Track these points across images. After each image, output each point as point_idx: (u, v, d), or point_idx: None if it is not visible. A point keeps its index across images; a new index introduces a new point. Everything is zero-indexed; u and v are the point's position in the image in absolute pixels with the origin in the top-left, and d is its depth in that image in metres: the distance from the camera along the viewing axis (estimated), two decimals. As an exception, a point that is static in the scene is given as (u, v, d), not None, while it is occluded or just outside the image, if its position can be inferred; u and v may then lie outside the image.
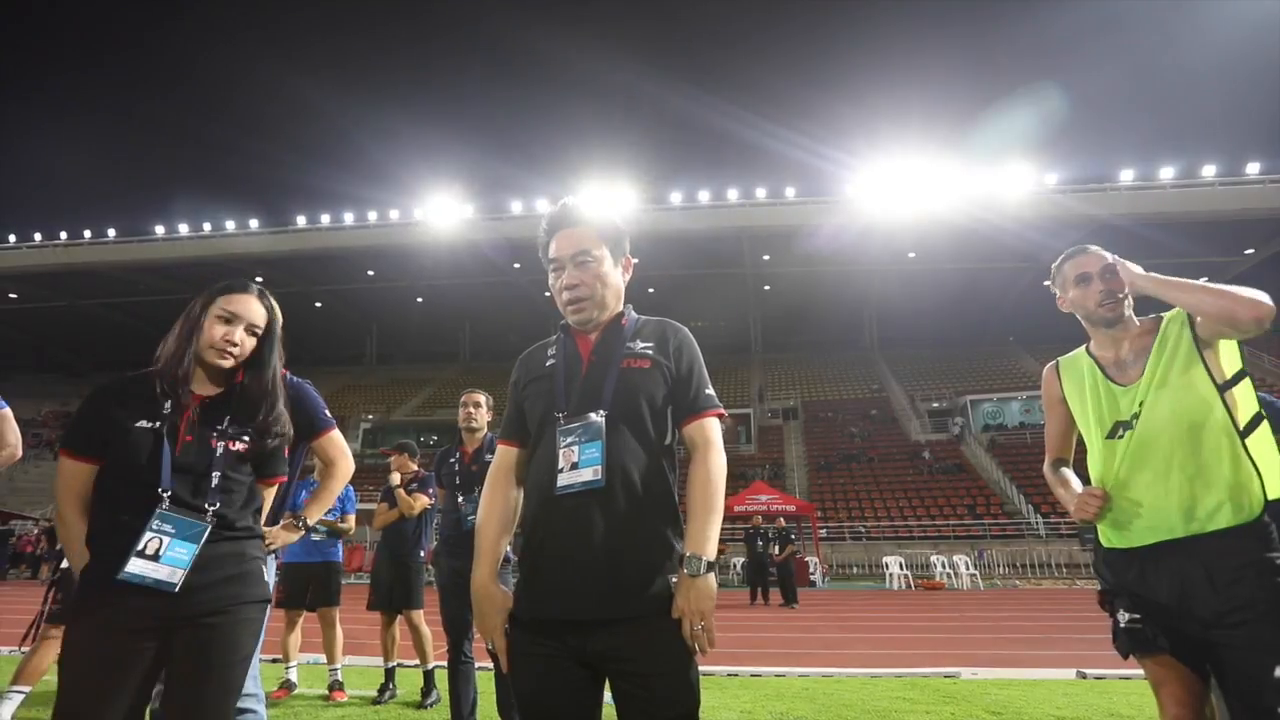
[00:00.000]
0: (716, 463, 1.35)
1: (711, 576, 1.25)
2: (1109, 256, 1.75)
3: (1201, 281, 1.60)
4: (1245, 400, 1.58)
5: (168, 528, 1.41)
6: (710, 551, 1.26)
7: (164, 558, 1.40)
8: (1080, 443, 1.83)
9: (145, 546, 1.39)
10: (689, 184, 32.29)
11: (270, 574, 2.16)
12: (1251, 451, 1.53)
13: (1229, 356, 1.60)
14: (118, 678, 1.34)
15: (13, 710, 3.27)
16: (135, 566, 1.38)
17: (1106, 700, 3.99)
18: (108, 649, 1.35)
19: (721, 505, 1.34)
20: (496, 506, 1.42)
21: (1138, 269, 1.71)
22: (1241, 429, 1.54)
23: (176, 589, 1.39)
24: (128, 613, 1.37)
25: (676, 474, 1.38)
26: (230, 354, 1.54)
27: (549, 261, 1.48)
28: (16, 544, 19.37)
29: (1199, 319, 1.61)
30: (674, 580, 1.26)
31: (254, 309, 1.59)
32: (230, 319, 1.55)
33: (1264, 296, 1.49)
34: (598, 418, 1.31)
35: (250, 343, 1.58)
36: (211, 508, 1.46)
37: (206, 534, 1.45)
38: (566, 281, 1.43)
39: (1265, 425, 1.57)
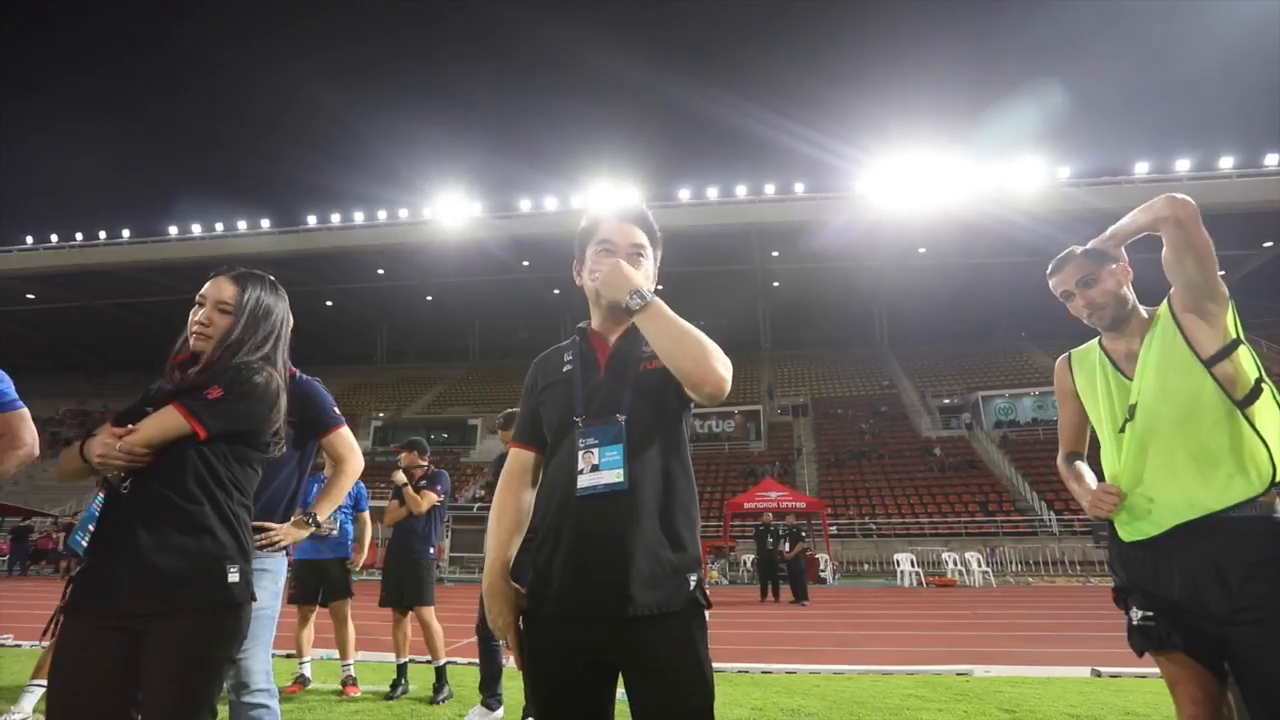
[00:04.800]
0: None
1: (641, 299, 1.28)
2: (1079, 252, 1.74)
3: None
4: (1241, 370, 1.53)
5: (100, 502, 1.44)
6: (650, 297, 1.29)
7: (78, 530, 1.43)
8: (1094, 436, 1.82)
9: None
10: (697, 180, 32.36)
11: (282, 571, 2.19)
12: (1255, 421, 1.49)
13: (1215, 328, 1.56)
14: (96, 676, 1.33)
15: (34, 703, 3.33)
16: (79, 537, 1.43)
17: (1122, 699, 3.95)
18: (85, 647, 1.35)
19: (700, 337, 1.25)
20: (509, 508, 1.43)
21: (1104, 238, 1.70)
22: (1240, 400, 1.51)
23: (80, 553, 1.41)
24: (102, 610, 1.36)
25: (693, 478, 1.39)
26: (202, 334, 1.55)
27: (602, 242, 1.44)
28: (37, 541, 19.68)
29: (1172, 291, 1.62)
30: (693, 579, 1.28)
31: (222, 288, 1.58)
32: (201, 302, 1.58)
33: (1181, 196, 1.55)
34: (619, 420, 1.32)
35: (223, 320, 1.56)
36: (128, 479, 1.44)
37: (111, 504, 1.43)
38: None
39: (1268, 393, 1.52)
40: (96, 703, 1.32)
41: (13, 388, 2.01)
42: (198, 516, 1.42)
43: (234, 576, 1.43)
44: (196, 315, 1.56)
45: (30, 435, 1.97)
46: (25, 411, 2.01)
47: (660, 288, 1.42)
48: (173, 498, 1.41)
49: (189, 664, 1.35)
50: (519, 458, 1.47)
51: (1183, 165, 26.40)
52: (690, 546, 1.30)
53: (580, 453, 1.32)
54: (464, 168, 40.65)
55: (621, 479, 1.27)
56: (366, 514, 4.59)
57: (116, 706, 1.34)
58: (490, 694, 3.55)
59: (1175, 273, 1.59)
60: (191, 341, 1.56)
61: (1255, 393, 1.52)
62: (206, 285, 1.59)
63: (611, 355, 1.42)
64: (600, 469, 1.29)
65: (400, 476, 4.35)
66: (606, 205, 1.50)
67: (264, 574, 2.07)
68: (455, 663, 4.36)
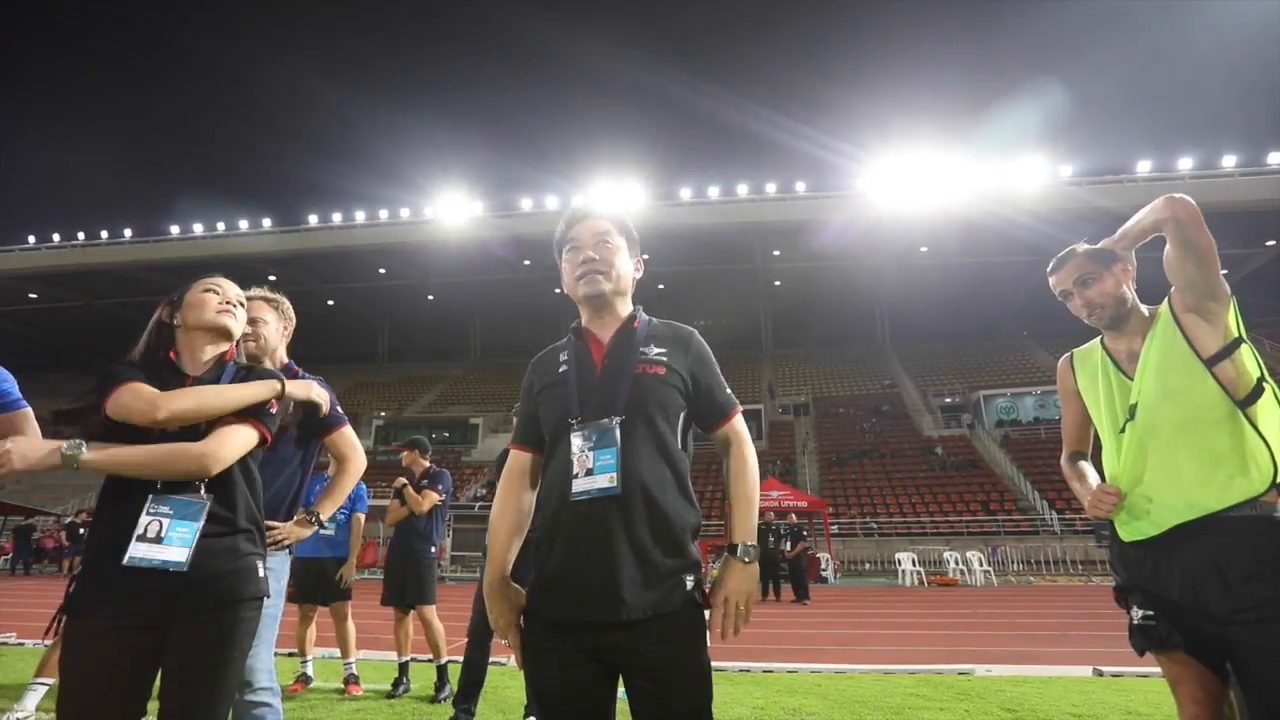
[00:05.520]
0: (751, 455, 1.45)
1: (756, 564, 1.35)
2: (1080, 251, 1.74)
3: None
4: (1243, 369, 1.53)
5: (164, 509, 1.39)
6: (754, 538, 1.36)
7: (167, 539, 1.37)
8: (1097, 436, 1.81)
9: (145, 530, 1.37)
10: (699, 179, 32.39)
11: (284, 570, 2.19)
12: (1256, 421, 1.49)
13: (1215, 327, 1.56)
14: (116, 676, 1.33)
15: (37, 701, 3.34)
16: (139, 551, 1.36)
17: (1123, 698, 3.95)
18: (105, 647, 1.34)
19: (758, 493, 1.42)
20: (509, 510, 1.44)
21: (1114, 240, 1.70)
22: (1241, 399, 1.50)
23: (186, 567, 1.36)
24: (124, 610, 1.35)
25: (689, 477, 1.39)
26: (232, 313, 1.60)
27: (567, 244, 1.49)
28: (39, 540, 19.71)
29: (1173, 290, 1.62)
30: (690, 580, 1.28)
31: (234, 288, 1.67)
32: (217, 290, 1.62)
33: (1181, 196, 1.57)
34: (612, 424, 1.32)
35: (243, 314, 1.65)
36: (202, 485, 1.44)
37: (206, 510, 1.41)
38: (584, 255, 1.45)
39: (1270, 393, 1.52)
40: (112, 702, 1.33)
41: (16, 387, 2.01)
42: (232, 521, 1.47)
43: (262, 571, 1.50)
44: (225, 298, 1.60)
45: (34, 435, 1.97)
46: (29, 411, 2.00)
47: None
48: (226, 502, 1.45)
49: (218, 658, 1.37)
50: (519, 459, 1.48)
51: (1185, 164, 26.37)
52: (687, 549, 1.30)
53: (575, 455, 1.32)
54: (465, 167, 40.69)
55: (614, 484, 1.27)
56: (361, 516, 4.50)
57: (131, 705, 1.35)
58: (464, 705, 3.29)
59: (1176, 272, 1.59)
60: (220, 321, 1.59)
61: (1257, 392, 1.51)
62: (215, 280, 1.64)
63: (607, 355, 1.42)
64: (594, 473, 1.29)
65: (400, 480, 4.35)
66: (570, 212, 1.54)
67: (268, 572, 2.07)
68: (457, 661, 4.35)
